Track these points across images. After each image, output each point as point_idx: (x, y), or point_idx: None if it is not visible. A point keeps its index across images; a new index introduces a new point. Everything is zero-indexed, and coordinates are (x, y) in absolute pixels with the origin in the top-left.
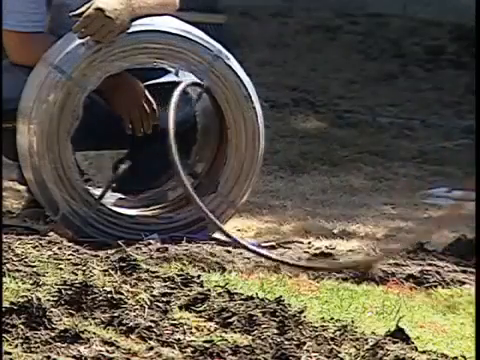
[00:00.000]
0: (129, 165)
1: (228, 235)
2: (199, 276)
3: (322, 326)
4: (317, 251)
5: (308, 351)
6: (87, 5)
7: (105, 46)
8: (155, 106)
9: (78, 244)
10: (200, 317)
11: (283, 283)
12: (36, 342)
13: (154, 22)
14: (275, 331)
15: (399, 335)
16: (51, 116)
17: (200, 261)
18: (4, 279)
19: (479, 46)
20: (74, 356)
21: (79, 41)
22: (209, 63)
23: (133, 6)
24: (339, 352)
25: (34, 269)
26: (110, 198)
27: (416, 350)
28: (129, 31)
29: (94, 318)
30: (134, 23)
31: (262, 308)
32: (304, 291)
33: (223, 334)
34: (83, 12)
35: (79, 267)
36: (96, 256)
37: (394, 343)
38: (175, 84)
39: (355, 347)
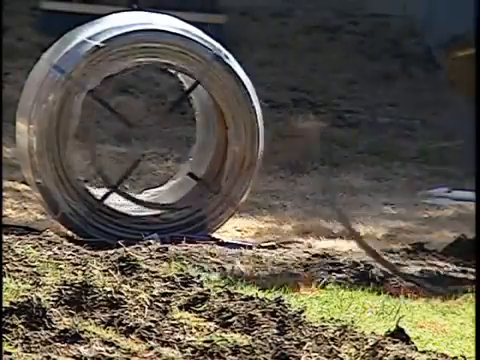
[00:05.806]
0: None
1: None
2: (199, 276)
3: (322, 326)
4: (317, 251)
5: (308, 351)
6: None
7: (103, 46)
8: None
9: (78, 244)
10: (200, 317)
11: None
12: (36, 342)
13: (153, 21)
14: (275, 331)
15: (399, 335)
16: (51, 116)
17: (200, 261)
18: (4, 279)
19: (479, 46)
20: (74, 356)
21: (78, 40)
22: (208, 62)
23: None
24: (339, 352)
25: (34, 269)
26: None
27: (416, 350)
28: (128, 30)
29: (94, 318)
30: (133, 22)
31: (262, 308)
32: (304, 291)
33: (223, 334)
34: None
35: (79, 267)
36: (96, 256)
37: (394, 343)
38: None
39: (355, 347)
